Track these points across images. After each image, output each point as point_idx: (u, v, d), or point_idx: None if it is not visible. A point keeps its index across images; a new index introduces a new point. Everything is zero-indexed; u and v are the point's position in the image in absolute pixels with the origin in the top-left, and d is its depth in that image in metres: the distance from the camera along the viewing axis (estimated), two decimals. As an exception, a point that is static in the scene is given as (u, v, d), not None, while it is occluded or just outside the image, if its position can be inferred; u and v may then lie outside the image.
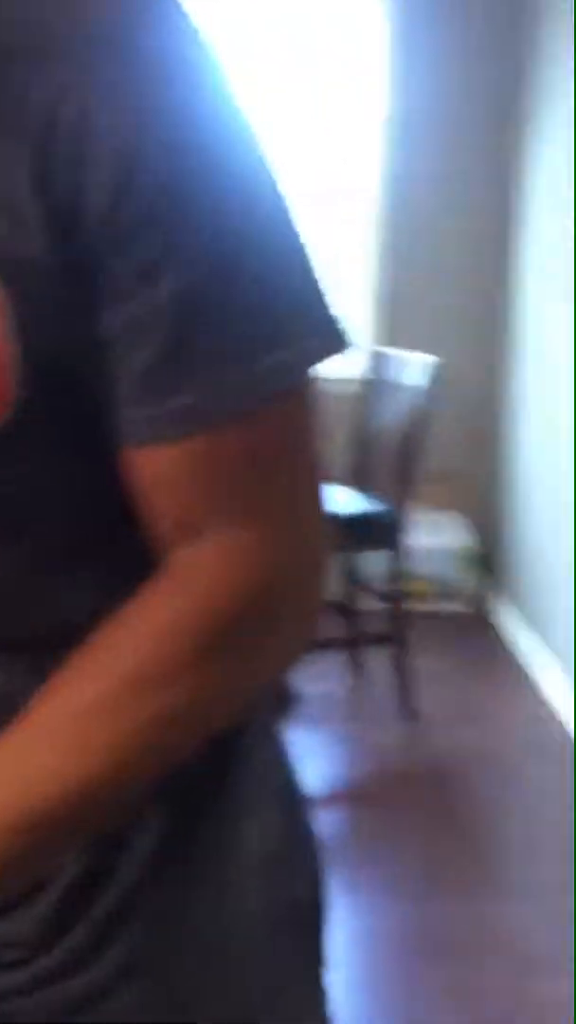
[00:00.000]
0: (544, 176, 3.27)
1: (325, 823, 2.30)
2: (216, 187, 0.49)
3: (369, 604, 3.20)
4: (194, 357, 0.50)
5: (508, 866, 2.21)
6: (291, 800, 0.65)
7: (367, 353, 3.31)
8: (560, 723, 2.87)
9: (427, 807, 2.44)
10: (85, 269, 0.48)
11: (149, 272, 0.48)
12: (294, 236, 0.52)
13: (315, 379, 0.54)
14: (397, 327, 3.69)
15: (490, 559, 3.85)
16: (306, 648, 0.58)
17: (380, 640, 2.99)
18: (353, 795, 2.50)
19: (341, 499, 2.87)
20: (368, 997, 1.80)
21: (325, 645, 2.86)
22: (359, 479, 3.09)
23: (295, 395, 0.53)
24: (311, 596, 0.56)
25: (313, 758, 2.64)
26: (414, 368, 2.85)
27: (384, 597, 2.98)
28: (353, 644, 3.14)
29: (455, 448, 3.76)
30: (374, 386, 3.12)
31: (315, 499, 0.55)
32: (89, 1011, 0.56)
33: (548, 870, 2.18)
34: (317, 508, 0.55)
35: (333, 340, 0.53)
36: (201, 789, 0.58)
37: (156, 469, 0.51)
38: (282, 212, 0.52)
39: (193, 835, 0.58)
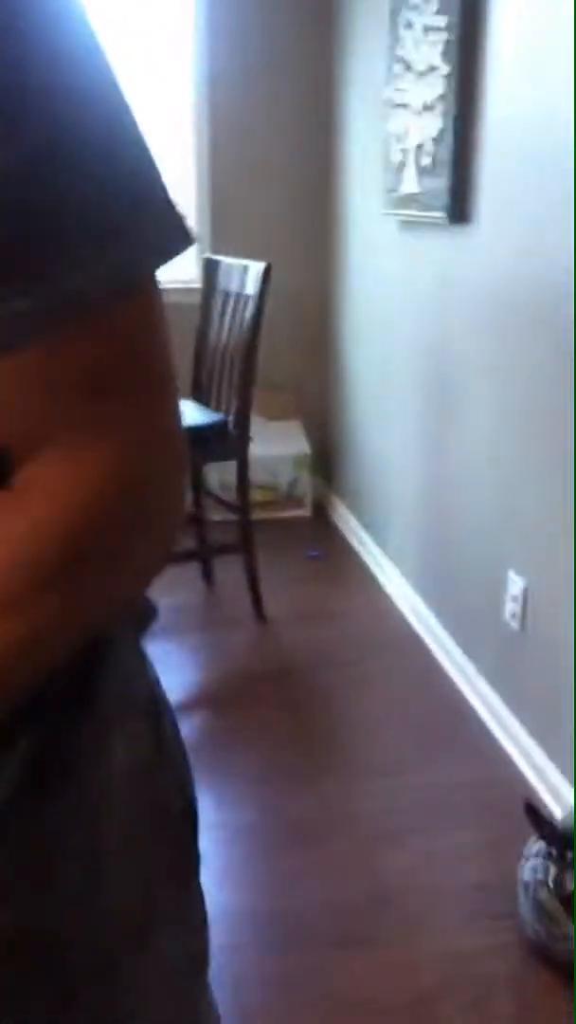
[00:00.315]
0: (361, 78, 3.28)
1: (185, 727, 2.37)
2: (45, 69, 0.44)
3: (216, 514, 3.26)
4: (25, 256, 0.45)
5: (356, 750, 2.36)
6: (156, 709, 0.65)
7: (199, 261, 3.28)
8: (400, 616, 3.04)
9: (282, 702, 2.56)
10: None
11: None
12: (129, 120, 0.48)
13: (158, 278, 0.50)
14: (224, 237, 3.67)
15: (327, 465, 3.96)
16: (168, 558, 0.56)
17: (229, 549, 3.06)
18: (211, 698, 2.59)
19: (183, 412, 2.87)
20: (233, 888, 1.91)
21: (176, 557, 2.91)
22: (196, 390, 3.11)
23: (140, 294, 0.49)
24: (169, 505, 0.54)
25: (170, 667, 2.72)
26: (246, 276, 2.86)
27: (230, 507, 3.04)
28: (203, 554, 3.20)
29: (290, 356, 3.81)
30: (206, 295, 3.11)
31: (167, 404, 0.52)
32: None
33: (392, 752, 2.35)
34: (170, 414, 0.53)
35: (176, 235, 0.50)
36: (65, 706, 0.57)
37: None
38: (115, 93, 0.48)
39: (59, 753, 0.56)
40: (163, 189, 0.50)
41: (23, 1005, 0.56)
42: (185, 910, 0.67)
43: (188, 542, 3.13)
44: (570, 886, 1.64)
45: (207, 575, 3.27)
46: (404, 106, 2.81)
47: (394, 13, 2.85)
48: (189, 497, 3.14)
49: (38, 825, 0.56)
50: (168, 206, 0.50)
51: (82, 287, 0.46)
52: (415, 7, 2.67)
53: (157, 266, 0.50)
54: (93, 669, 0.58)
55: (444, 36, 2.47)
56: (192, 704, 2.56)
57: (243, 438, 2.86)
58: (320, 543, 3.65)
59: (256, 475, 3.57)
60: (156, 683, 0.66)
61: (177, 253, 0.50)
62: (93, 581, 0.51)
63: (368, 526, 3.50)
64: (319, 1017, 1.60)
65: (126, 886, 0.61)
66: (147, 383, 0.51)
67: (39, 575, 0.49)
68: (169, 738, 0.66)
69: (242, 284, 2.87)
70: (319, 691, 2.63)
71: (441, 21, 2.49)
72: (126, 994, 0.61)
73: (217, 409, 2.94)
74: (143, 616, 0.66)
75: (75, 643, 0.53)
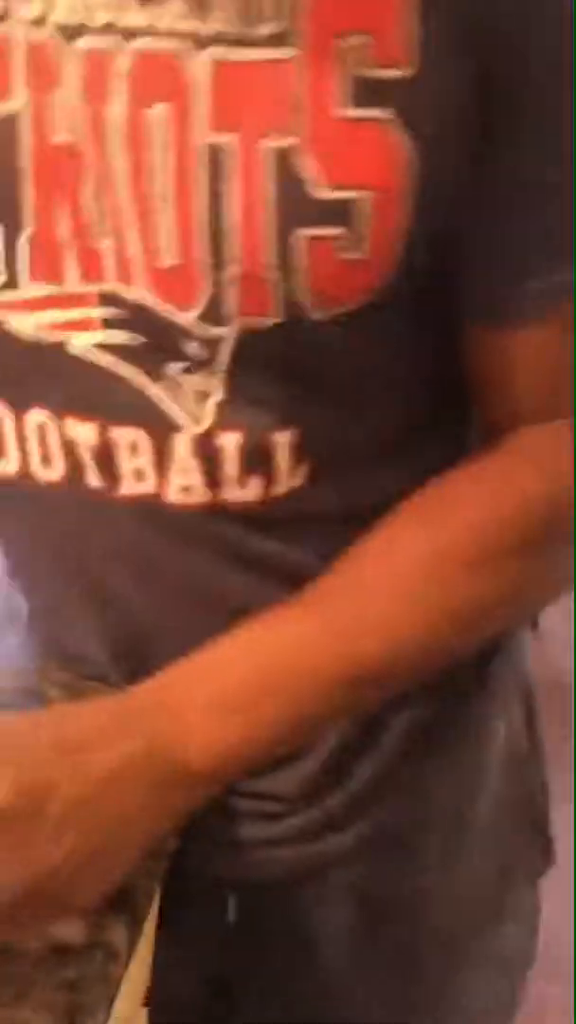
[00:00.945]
0: None
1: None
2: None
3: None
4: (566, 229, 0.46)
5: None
6: (530, 698, 0.66)
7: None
8: None
9: (554, 715, 2.42)
10: (488, 112, 0.43)
11: (547, 126, 0.44)
12: None
13: None
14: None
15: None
16: None
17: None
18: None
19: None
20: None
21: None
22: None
23: None
24: None
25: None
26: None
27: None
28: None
29: None
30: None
31: None
32: (334, 872, 0.58)
33: None
34: None
35: None
36: (464, 679, 0.58)
37: (525, 347, 0.49)
38: None
39: (450, 722, 0.59)
40: None
41: (375, 963, 0.59)
42: (528, 907, 0.67)
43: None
44: None
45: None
46: None
47: None
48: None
49: (419, 785, 0.59)
50: None
51: None
52: None
53: None
54: (492, 648, 0.59)
55: None
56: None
57: None
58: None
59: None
60: (530, 669, 0.66)
61: None
62: (553, 558, 0.52)
63: None
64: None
65: (484, 868, 0.62)
66: None
67: (521, 539, 0.50)
68: (536, 727, 0.67)
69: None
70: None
71: None
72: (465, 974, 0.62)
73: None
74: None
75: (518, 618, 0.56)
